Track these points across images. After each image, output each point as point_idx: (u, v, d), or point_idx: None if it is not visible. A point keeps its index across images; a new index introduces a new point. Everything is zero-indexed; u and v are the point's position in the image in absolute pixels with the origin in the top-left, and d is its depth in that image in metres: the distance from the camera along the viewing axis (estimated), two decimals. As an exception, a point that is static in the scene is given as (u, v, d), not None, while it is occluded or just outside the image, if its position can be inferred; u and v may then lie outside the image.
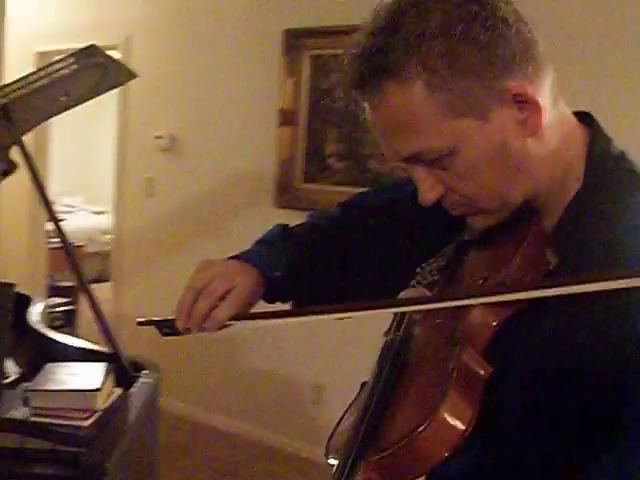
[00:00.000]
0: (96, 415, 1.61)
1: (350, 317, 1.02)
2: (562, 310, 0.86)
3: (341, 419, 1.06)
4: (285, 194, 3.98)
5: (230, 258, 1.19)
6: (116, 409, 1.69)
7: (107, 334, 1.92)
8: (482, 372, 0.87)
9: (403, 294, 1.06)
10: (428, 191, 0.94)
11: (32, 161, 1.91)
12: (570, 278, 0.83)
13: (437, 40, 0.86)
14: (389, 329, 1.06)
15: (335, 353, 3.89)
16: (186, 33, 4.30)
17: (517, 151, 0.90)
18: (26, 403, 1.61)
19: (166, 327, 1.13)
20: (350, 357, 3.82)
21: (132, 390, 1.81)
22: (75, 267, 1.90)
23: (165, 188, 4.45)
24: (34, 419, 1.59)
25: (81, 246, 6.36)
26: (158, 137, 4.35)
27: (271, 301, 1.20)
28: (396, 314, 1.07)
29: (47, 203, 1.94)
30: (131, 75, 2.14)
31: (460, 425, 0.84)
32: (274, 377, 4.13)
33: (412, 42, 0.87)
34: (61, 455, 1.45)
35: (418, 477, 0.85)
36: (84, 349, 1.99)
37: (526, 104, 0.89)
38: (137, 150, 4.52)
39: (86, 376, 1.70)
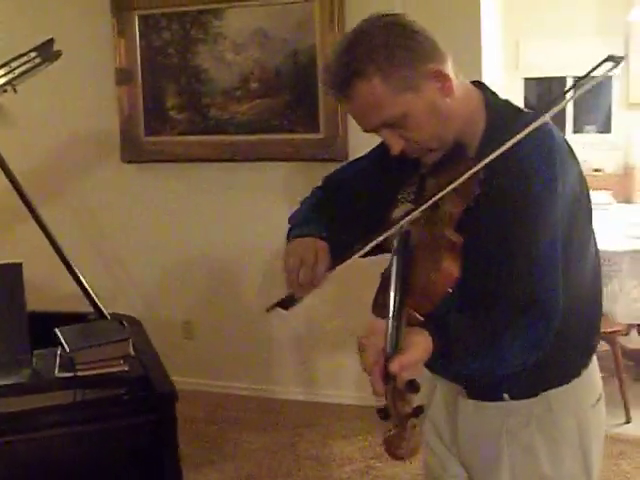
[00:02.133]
0: (129, 359, 1.91)
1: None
2: (487, 200, 1.43)
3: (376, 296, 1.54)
4: (130, 149, 4.20)
5: (294, 237, 1.65)
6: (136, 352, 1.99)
7: (90, 298, 2.17)
8: (459, 241, 1.41)
9: (397, 212, 1.56)
10: (395, 144, 1.48)
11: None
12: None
13: (383, 50, 1.40)
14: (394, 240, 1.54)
15: (199, 289, 4.24)
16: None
17: (442, 107, 1.46)
18: (71, 361, 1.87)
19: (288, 303, 1.55)
20: (216, 294, 4.21)
21: (133, 338, 2.10)
22: (52, 241, 2.13)
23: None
24: (82, 374, 1.86)
25: None
26: (-14, 109, 4.33)
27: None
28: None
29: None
30: (58, 55, 2.32)
31: (454, 273, 1.39)
32: (144, 321, 4.39)
33: (369, 55, 1.41)
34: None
35: (435, 306, 1.39)
36: (70, 314, 2.23)
37: (441, 77, 1.44)
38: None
39: (106, 330, 1.98)
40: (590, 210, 1.56)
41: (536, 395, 1.58)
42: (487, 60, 6.05)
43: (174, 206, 4.22)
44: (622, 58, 1.34)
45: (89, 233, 4.37)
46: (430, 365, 1.45)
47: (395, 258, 1.47)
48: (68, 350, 1.89)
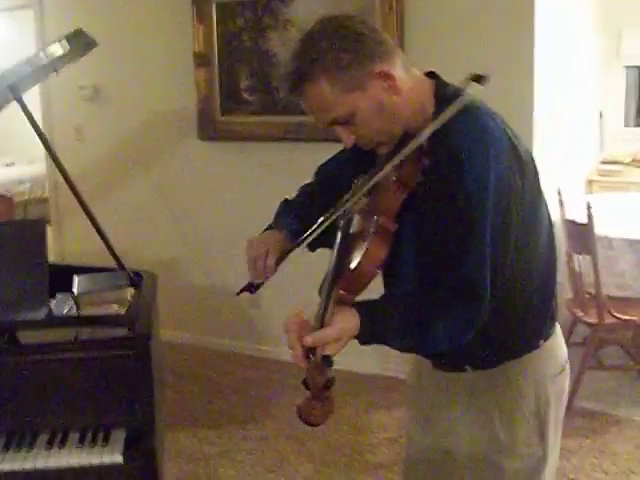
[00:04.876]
0: (127, 304, 2.20)
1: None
2: (427, 189, 1.54)
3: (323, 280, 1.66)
4: (207, 127, 4.52)
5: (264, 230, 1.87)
6: (137, 300, 2.27)
7: (111, 251, 2.46)
8: (391, 227, 1.53)
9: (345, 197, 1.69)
10: (347, 139, 1.58)
11: (31, 115, 2.42)
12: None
13: (327, 55, 1.50)
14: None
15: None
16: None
17: (389, 104, 1.54)
18: (76, 303, 2.17)
19: (251, 288, 1.79)
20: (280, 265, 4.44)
21: (141, 288, 2.38)
22: (82, 204, 2.44)
23: (94, 134, 4.90)
24: (85, 313, 2.15)
25: (10, 197, 6.66)
26: (82, 87, 4.77)
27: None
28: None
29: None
30: (94, 44, 2.61)
31: (380, 256, 1.50)
32: (213, 289, 4.72)
33: (314, 59, 1.50)
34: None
35: (364, 287, 1.51)
36: (94, 267, 2.54)
37: (387, 77, 1.52)
38: (63, 101, 4.92)
39: (112, 278, 2.27)
40: (538, 189, 1.63)
41: (495, 366, 1.69)
42: (584, 48, 6.01)
43: (244, 181, 4.51)
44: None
45: (168, 202, 4.75)
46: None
47: (336, 243, 1.62)
48: (76, 293, 2.19)
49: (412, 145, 1.50)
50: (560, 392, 1.75)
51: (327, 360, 1.41)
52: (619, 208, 4.60)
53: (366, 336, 1.48)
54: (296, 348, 1.42)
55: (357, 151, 1.73)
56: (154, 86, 4.62)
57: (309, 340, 1.40)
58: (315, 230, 1.65)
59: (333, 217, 1.62)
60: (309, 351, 1.40)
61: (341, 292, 1.48)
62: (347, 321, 1.46)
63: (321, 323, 1.43)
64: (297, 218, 1.84)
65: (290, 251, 1.73)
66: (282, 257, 1.73)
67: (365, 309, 1.49)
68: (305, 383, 1.44)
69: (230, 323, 4.74)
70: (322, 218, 1.63)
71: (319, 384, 1.42)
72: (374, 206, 1.57)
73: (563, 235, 3.95)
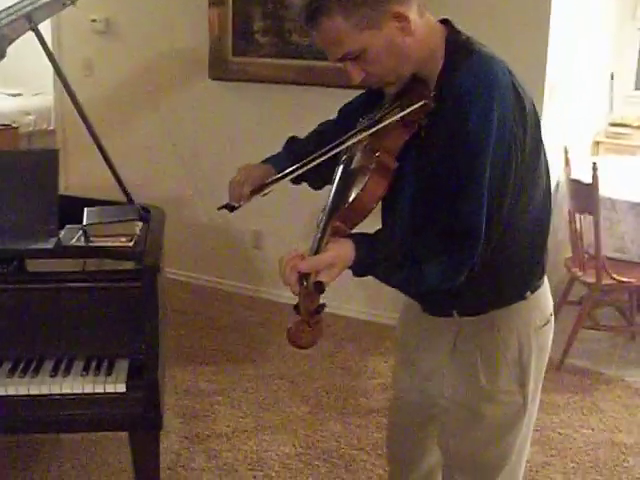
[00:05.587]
0: (135, 237, 2.23)
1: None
2: (430, 130, 1.59)
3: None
4: (218, 67, 4.50)
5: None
6: (146, 234, 2.30)
7: (122, 185, 2.48)
8: (391, 165, 1.57)
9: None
10: (355, 75, 1.60)
11: (47, 46, 2.42)
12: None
13: None
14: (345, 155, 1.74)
15: (271, 201, 4.51)
16: None
17: (400, 45, 1.57)
18: (85, 234, 2.20)
19: (229, 208, 1.83)
20: (284, 205, 4.46)
21: (150, 223, 2.41)
22: (91, 130, 2.45)
23: (103, 69, 4.87)
24: (94, 245, 2.19)
25: (16, 127, 6.65)
26: (93, 20, 4.73)
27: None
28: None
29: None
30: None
31: (378, 192, 1.54)
32: (216, 229, 4.76)
33: None
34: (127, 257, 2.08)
35: (360, 221, 1.55)
36: (103, 200, 2.57)
37: (401, 18, 1.54)
38: (73, 33, 4.88)
39: (122, 212, 2.30)
40: (539, 140, 1.64)
41: (482, 313, 1.73)
42: (599, 9, 5.95)
43: (253, 122, 4.51)
44: None
45: (175, 140, 4.75)
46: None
47: (336, 178, 1.66)
48: (85, 224, 2.22)
49: (418, 105, 1.56)
50: (543, 344, 1.80)
51: (319, 286, 1.43)
52: (625, 171, 4.61)
53: (360, 266, 1.52)
54: (290, 274, 1.45)
55: (374, 92, 1.76)
56: (167, 23, 4.58)
57: (303, 265, 1.44)
58: (301, 167, 1.68)
59: (323, 157, 1.65)
60: (303, 278, 1.44)
61: (337, 224, 1.53)
62: (341, 249, 1.50)
63: (316, 251, 1.48)
64: (292, 156, 1.87)
65: (269, 184, 1.76)
66: (259, 189, 1.77)
67: (361, 239, 1.53)
68: (297, 308, 1.48)
69: (231, 263, 4.79)
70: (312, 156, 1.66)
71: (310, 309, 1.45)
72: (376, 143, 1.60)
73: (567, 194, 3.98)
